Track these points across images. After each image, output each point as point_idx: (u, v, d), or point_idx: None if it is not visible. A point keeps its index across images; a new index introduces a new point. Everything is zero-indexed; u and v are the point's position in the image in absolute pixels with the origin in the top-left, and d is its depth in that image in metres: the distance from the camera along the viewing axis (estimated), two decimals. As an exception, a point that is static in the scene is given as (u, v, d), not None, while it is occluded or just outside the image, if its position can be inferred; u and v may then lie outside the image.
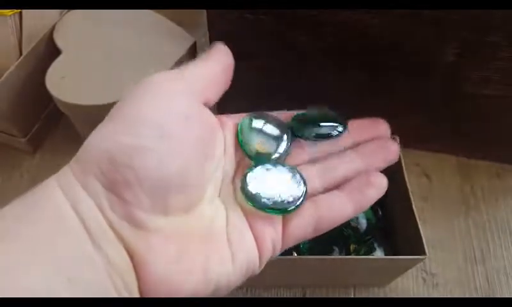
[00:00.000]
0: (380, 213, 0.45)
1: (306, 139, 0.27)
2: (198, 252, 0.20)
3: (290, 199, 0.23)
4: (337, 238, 0.43)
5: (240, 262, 0.21)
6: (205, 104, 0.23)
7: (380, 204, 0.46)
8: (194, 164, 0.21)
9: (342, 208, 0.24)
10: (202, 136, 0.22)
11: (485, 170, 0.51)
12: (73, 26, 0.51)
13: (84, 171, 0.19)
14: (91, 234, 0.18)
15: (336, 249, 0.43)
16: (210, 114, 0.23)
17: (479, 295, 0.43)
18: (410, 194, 0.40)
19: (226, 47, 0.25)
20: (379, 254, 0.43)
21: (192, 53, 0.49)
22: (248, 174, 0.24)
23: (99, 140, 0.20)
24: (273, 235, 0.23)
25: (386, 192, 0.42)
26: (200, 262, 0.20)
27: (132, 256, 0.19)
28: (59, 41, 0.50)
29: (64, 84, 0.45)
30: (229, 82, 0.25)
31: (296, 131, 0.27)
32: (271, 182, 0.23)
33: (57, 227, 0.18)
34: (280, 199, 0.23)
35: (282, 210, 0.23)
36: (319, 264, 0.38)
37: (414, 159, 0.52)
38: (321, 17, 0.40)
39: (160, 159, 0.19)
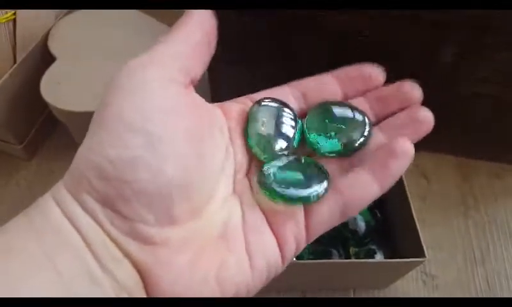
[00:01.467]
0: (379, 215, 0.45)
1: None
2: (212, 259, 0.19)
3: (314, 189, 0.20)
4: (336, 242, 0.43)
5: (259, 266, 0.19)
6: (192, 82, 0.20)
7: (379, 206, 0.45)
8: (193, 163, 0.19)
9: (367, 187, 0.21)
10: (195, 128, 0.19)
11: (484, 170, 0.51)
12: (67, 32, 0.51)
13: (77, 187, 0.18)
14: (94, 252, 0.17)
15: (336, 252, 0.42)
16: (202, 101, 0.21)
17: (479, 296, 0.43)
18: (409, 195, 0.39)
19: (200, 10, 0.22)
20: (378, 257, 0.42)
21: None
22: (265, 167, 0.21)
23: (86, 153, 0.18)
24: (296, 231, 0.21)
25: (385, 194, 0.42)
26: (214, 271, 0.18)
27: (140, 272, 0.17)
28: (54, 48, 0.49)
29: (60, 90, 0.45)
30: (214, 45, 0.22)
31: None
32: (291, 173, 0.21)
33: (59, 245, 0.17)
34: (303, 189, 0.20)
35: (305, 198, 0.20)
36: (319, 268, 0.38)
37: (413, 160, 0.52)
38: (320, 20, 0.40)
39: (154, 168, 0.17)
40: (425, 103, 0.45)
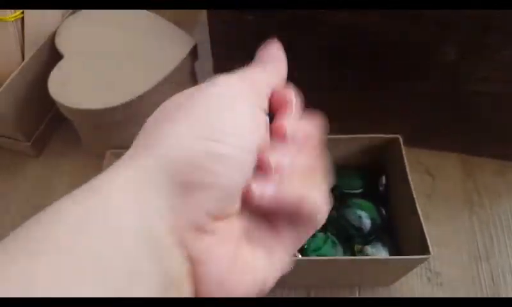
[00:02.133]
0: (384, 213, 0.45)
1: None
2: (248, 252, 0.20)
3: None
4: (342, 239, 0.43)
5: (280, 257, 0.22)
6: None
7: (384, 204, 0.46)
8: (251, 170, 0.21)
9: None
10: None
11: (488, 167, 0.51)
12: (74, 31, 0.52)
13: (158, 169, 0.18)
14: (150, 245, 0.17)
15: (341, 249, 0.43)
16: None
17: (484, 293, 0.43)
18: (413, 193, 0.40)
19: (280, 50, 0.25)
20: (383, 254, 0.43)
21: (193, 55, 0.49)
22: None
23: (178, 138, 0.19)
24: None
25: (390, 191, 0.42)
26: (250, 262, 0.20)
27: (191, 258, 0.19)
28: (61, 46, 0.50)
29: (67, 88, 0.45)
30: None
31: None
32: None
33: (113, 240, 0.17)
34: None
35: None
36: (324, 265, 0.38)
37: (417, 157, 0.52)
38: (320, 18, 0.40)
39: (238, 168, 0.19)
40: (427, 101, 0.46)
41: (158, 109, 0.21)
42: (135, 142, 0.20)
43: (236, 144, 0.19)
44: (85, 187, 0.18)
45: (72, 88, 0.45)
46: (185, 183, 0.18)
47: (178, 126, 0.19)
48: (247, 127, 0.20)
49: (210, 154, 0.19)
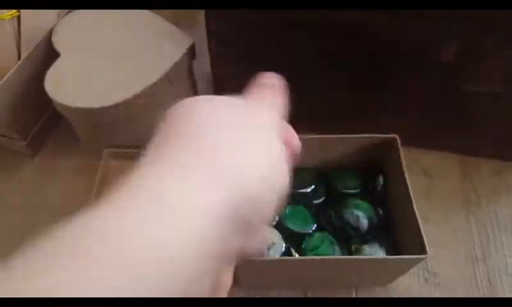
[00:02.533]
0: (381, 213, 0.45)
1: None
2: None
3: None
4: (339, 239, 0.43)
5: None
6: None
7: (381, 204, 0.46)
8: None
9: None
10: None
11: (486, 167, 0.51)
12: (71, 29, 0.51)
13: (228, 203, 0.18)
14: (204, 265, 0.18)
15: (338, 249, 0.43)
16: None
17: (481, 294, 0.43)
18: (411, 193, 0.40)
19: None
20: (380, 253, 0.43)
21: (191, 54, 0.49)
22: None
23: (245, 171, 0.19)
24: None
25: (388, 191, 0.42)
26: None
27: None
28: (58, 44, 0.49)
29: (63, 86, 0.45)
30: None
31: None
32: None
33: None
34: None
35: None
36: (321, 265, 0.38)
37: (414, 158, 0.52)
38: (320, 17, 0.40)
39: (270, 211, 0.20)
40: (425, 101, 0.46)
41: (209, 111, 0.20)
42: (186, 141, 0.19)
43: (282, 190, 0.20)
44: (155, 206, 0.17)
45: (68, 87, 0.45)
46: (242, 222, 0.19)
47: (243, 154, 0.19)
48: (286, 169, 0.21)
49: (267, 195, 0.19)
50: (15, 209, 0.49)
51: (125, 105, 0.44)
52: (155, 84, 0.45)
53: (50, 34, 0.51)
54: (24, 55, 0.48)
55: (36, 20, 0.50)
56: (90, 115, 0.44)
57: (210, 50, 0.47)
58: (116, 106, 0.43)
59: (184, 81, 0.51)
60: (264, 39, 0.44)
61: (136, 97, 0.44)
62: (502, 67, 0.39)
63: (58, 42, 0.50)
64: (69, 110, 0.45)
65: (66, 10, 0.54)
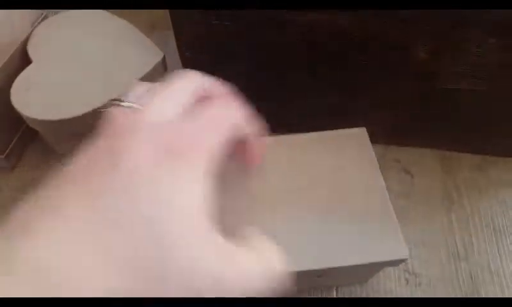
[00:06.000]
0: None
1: None
2: None
3: None
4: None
5: None
6: None
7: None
8: None
9: None
10: None
11: (466, 162, 0.50)
12: (46, 36, 0.51)
13: None
14: None
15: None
16: None
17: (463, 293, 0.42)
18: (386, 193, 0.38)
19: None
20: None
21: (162, 67, 0.49)
22: None
23: None
24: None
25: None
26: None
27: None
28: (32, 52, 0.49)
29: (29, 96, 0.44)
30: None
31: None
32: None
33: None
34: None
35: None
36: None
37: (394, 155, 0.51)
38: (288, 17, 0.39)
39: None
40: (402, 99, 0.45)
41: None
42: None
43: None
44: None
45: (34, 96, 0.44)
46: None
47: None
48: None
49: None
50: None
51: (88, 117, 0.43)
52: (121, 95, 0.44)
53: (24, 43, 0.50)
54: (-3, 66, 0.47)
55: (7, 30, 0.49)
56: (54, 127, 0.44)
57: (180, 55, 0.46)
58: (76, 119, 0.43)
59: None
60: (233, 42, 0.43)
61: (94, 112, 0.43)
62: (473, 63, 0.38)
63: (32, 49, 0.49)
64: (32, 121, 0.44)
65: (40, 19, 0.53)
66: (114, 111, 0.20)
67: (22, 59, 0.50)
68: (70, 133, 0.45)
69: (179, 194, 0.17)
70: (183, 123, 0.19)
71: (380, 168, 0.50)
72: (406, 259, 0.35)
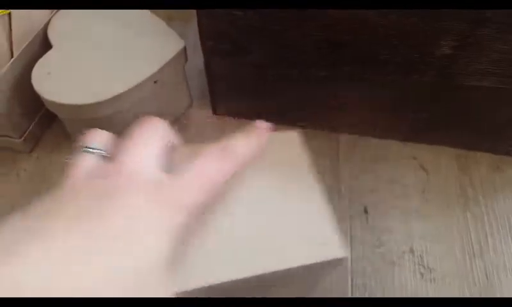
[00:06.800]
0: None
1: None
2: None
3: None
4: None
5: None
6: None
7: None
8: None
9: None
10: None
11: (484, 162, 0.50)
12: (67, 22, 0.51)
13: None
14: None
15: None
16: None
17: (477, 289, 0.42)
18: (321, 193, 0.32)
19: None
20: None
21: (182, 56, 0.49)
22: None
23: None
24: None
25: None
26: None
27: None
28: (52, 36, 0.49)
29: (49, 80, 0.45)
30: None
31: None
32: None
33: None
34: None
35: None
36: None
37: (411, 152, 0.51)
38: (311, 13, 0.39)
39: None
40: (422, 96, 0.45)
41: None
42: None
43: None
44: None
45: (54, 80, 0.45)
46: None
47: None
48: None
49: None
50: (12, 205, 0.49)
51: (110, 103, 0.43)
52: (140, 85, 0.44)
53: (45, 29, 0.50)
54: (16, 52, 0.47)
55: (28, 16, 0.49)
56: (75, 111, 0.44)
57: (203, 48, 0.46)
58: (99, 104, 0.43)
59: (174, 82, 0.51)
60: (255, 37, 0.43)
61: (116, 98, 0.44)
62: (497, 60, 0.38)
63: (52, 34, 0.50)
64: (52, 104, 0.45)
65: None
66: (86, 159, 0.23)
67: (43, 44, 0.50)
68: (90, 118, 0.45)
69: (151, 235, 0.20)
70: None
71: (396, 165, 0.51)
72: (346, 257, 0.31)
